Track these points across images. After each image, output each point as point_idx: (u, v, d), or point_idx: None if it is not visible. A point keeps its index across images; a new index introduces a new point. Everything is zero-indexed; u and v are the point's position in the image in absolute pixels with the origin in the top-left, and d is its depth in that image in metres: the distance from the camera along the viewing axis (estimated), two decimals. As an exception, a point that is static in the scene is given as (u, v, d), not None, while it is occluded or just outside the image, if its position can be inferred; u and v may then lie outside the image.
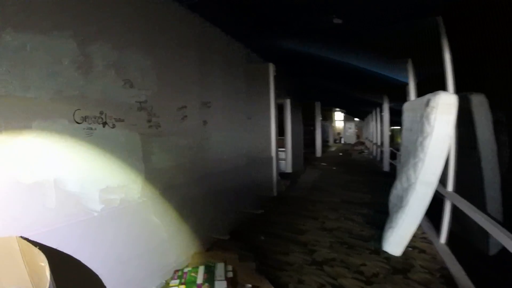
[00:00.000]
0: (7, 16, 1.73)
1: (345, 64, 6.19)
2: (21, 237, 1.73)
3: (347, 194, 6.73)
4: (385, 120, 10.20)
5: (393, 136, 20.75)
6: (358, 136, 30.20)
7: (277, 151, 6.67)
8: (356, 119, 30.45)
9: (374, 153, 15.01)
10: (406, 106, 4.43)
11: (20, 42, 1.80)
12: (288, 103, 8.24)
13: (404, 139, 4.30)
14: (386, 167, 10.25)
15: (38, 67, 1.90)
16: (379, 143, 13.53)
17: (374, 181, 8.33)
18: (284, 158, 8.44)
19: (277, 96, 7.26)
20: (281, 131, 8.36)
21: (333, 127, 28.49)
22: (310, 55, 6.46)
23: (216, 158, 4.16)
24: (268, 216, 5.11)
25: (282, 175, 7.88)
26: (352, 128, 30.59)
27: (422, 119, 3.31)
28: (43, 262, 1.62)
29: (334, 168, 11.22)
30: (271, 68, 6.49)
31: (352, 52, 5.49)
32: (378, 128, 13.99)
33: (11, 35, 1.75)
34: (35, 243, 1.75)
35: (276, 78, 6.67)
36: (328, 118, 25.54)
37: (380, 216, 4.72)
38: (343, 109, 26.76)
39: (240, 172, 4.93)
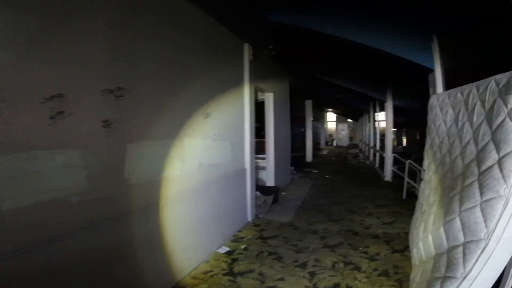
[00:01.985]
0: None
1: (346, 42, 4.74)
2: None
3: (349, 218, 5.25)
4: (389, 120, 8.80)
5: (400, 139, 19.57)
6: (351, 138, 29.03)
7: (254, 160, 5.16)
8: (349, 120, 29.27)
9: (371, 158, 13.65)
10: (439, 100, 2.98)
11: None
12: (271, 99, 6.73)
13: (441, 149, 2.84)
14: (388, 177, 8.83)
15: None
16: (378, 147, 12.16)
17: (380, 196, 6.89)
18: (265, 167, 6.92)
19: (257, 89, 5.78)
20: (259, 133, 6.89)
21: (325, 129, 27.19)
22: (304, 32, 4.99)
23: (142, 183, 2.61)
24: (231, 266, 3.58)
25: (263, 189, 6.39)
26: (345, 130, 29.38)
27: (495, 117, 1.82)
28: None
29: (328, 176, 9.76)
30: (247, 50, 4.98)
31: (357, 22, 4.05)
32: (377, 129, 12.63)
33: None
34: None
35: (255, 64, 5.16)
36: (319, 118, 24.19)
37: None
38: (336, 108, 25.49)
39: (194, 196, 3.39)
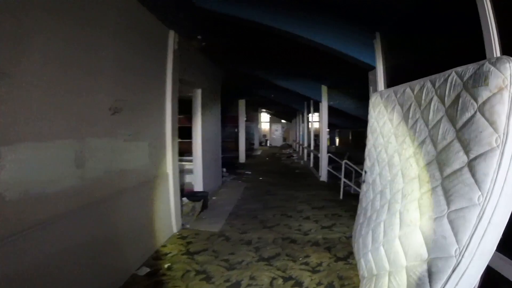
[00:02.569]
0: None
1: (285, 35, 4.43)
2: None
3: (285, 223, 4.97)
4: (324, 119, 8.89)
5: (332, 139, 20.32)
6: (285, 139, 29.68)
7: (177, 164, 4.60)
8: (283, 120, 29.91)
9: (305, 158, 13.91)
10: (383, 97, 2.81)
11: None
12: (199, 95, 6.19)
13: (386, 150, 2.64)
14: (324, 177, 8.92)
15: None
16: (312, 147, 12.37)
17: (316, 197, 6.82)
18: (192, 170, 6.36)
19: (183, 83, 5.20)
20: (187, 133, 6.34)
21: (259, 129, 27.38)
22: (239, 23, 4.56)
23: (18, 200, 1.88)
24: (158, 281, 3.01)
25: (190, 195, 5.83)
26: (279, 130, 29.94)
27: (461, 114, 1.60)
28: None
29: (261, 178, 9.54)
30: (172, 38, 4.41)
31: (297, 14, 3.77)
32: (312, 129, 12.88)
33: None
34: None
35: (181, 55, 4.60)
36: (253, 119, 24.23)
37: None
38: (270, 109, 25.79)
39: (99, 211, 2.72)
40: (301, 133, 17.44)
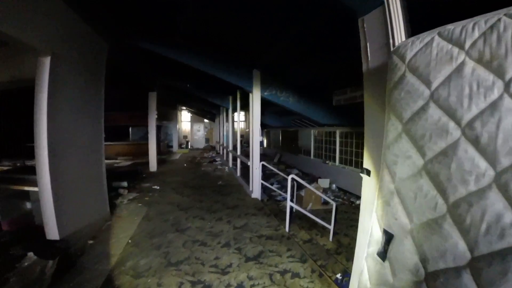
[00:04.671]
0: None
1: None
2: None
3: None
4: (256, 115, 6.66)
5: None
6: (208, 140, 27.12)
7: None
8: (206, 120, 27.31)
9: (231, 164, 11.65)
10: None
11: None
12: (45, 67, 3.42)
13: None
14: (256, 192, 6.71)
15: None
16: (238, 151, 10.15)
17: (249, 231, 4.56)
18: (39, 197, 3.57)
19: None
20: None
21: (179, 129, 24.34)
22: None
23: None
24: None
25: (40, 247, 3.13)
26: (201, 131, 27.24)
27: None
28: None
29: (172, 195, 6.96)
30: None
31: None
32: (238, 129, 10.67)
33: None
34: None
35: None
36: (172, 117, 21.17)
37: None
38: (191, 107, 23.01)
39: None
40: (225, 133, 15.16)
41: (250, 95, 6.77)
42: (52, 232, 3.52)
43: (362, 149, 2.23)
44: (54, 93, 3.52)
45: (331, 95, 7.88)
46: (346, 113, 8.07)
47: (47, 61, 3.46)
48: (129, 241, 4.18)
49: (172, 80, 10.46)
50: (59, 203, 3.59)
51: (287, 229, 4.58)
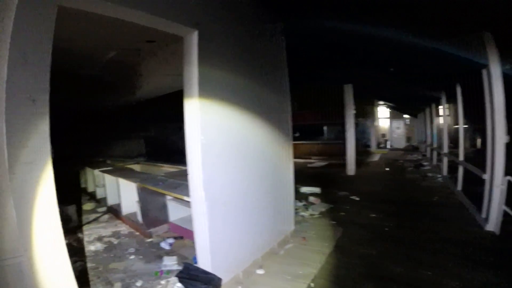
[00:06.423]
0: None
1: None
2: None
3: None
4: (497, 104, 4.43)
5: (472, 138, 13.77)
6: (409, 139, 23.69)
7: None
8: (405, 115, 23.97)
9: (444, 170, 9.08)
10: None
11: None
12: (193, 44, 2.95)
13: None
14: (493, 223, 4.46)
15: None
16: (462, 157, 7.63)
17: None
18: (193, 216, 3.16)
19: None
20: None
21: (377, 127, 22.27)
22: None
23: None
24: None
25: (192, 276, 2.74)
26: (400, 128, 24.10)
27: None
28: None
29: (372, 215, 5.63)
30: None
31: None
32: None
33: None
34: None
35: None
36: (369, 114, 19.49)
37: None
38: (388, 102, 20.59)
39: None
40: (434, 132, 12.31)
41: (484, 72, 4.58)
42: (207, 263, 2.97)
43: None
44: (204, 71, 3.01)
45: None
46: None
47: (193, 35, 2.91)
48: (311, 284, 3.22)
49: (368, 68, 8.98)
50: (212, 227, 3.07)
51: None
